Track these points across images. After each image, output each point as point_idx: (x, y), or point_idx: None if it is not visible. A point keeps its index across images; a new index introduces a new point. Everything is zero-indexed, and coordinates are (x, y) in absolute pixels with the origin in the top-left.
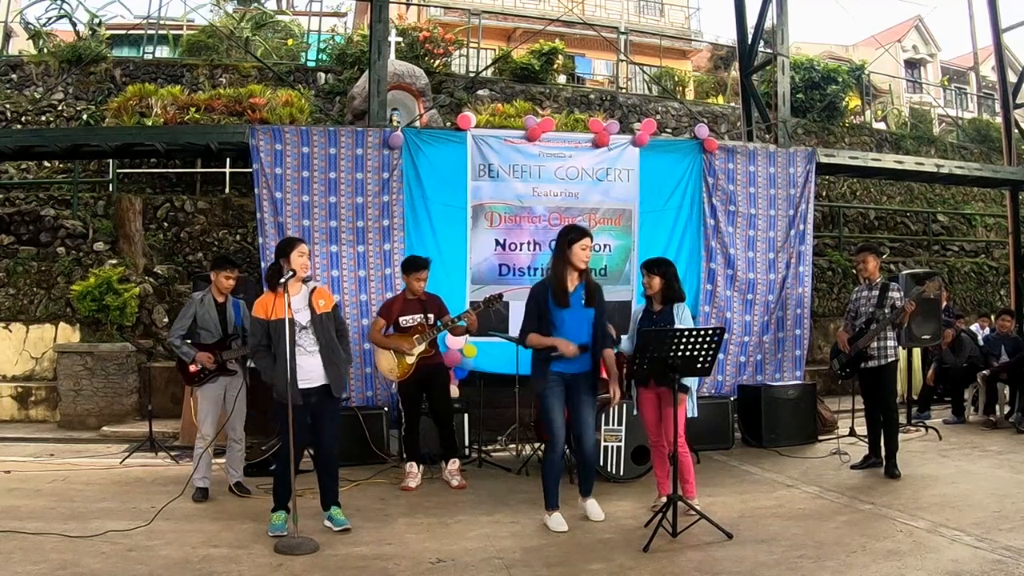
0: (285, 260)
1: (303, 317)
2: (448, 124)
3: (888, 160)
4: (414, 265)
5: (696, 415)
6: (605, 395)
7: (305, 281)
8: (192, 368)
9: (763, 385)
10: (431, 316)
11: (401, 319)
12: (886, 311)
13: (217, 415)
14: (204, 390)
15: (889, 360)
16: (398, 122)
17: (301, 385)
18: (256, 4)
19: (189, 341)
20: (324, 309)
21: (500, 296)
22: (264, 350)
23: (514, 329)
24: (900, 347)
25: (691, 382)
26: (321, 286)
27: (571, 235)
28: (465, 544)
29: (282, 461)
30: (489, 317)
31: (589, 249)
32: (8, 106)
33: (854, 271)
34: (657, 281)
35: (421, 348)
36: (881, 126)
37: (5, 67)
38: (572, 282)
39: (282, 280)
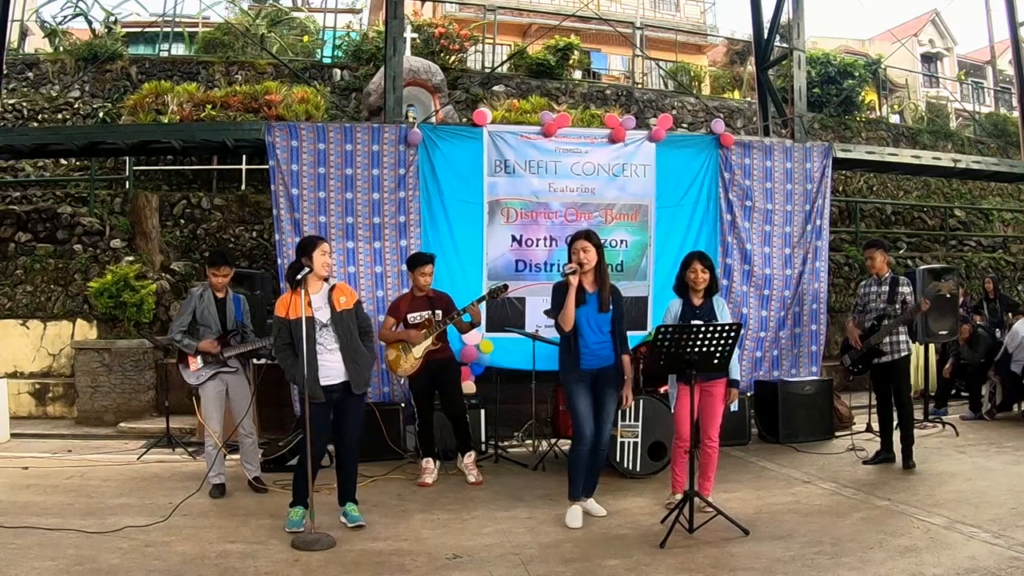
0: (307, 259)
1: (323, 315)
2: (464, 120)
3: (905, 155)
4: (418, 261)
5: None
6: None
7: (326, 279)
8: (193, 364)
9: (779, 381)
10: (439, 312)
11: (409, 316)
12: (897, 307)
13: (222, 412)
14: (205, 389)
15: (902, 355)
16: (414, 118)
17: (322, 382)
18: (271, 1)
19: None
20: (345, 306)
21: (505, 287)
22: (287, 348)
23: (531, 325)
24: (915, 342)
25: (735, 374)
26: (342, 283)
27: (569, 242)
28: (482, 540)
29: (303, 457)
30: (505, 313)
31: (580, 252)
32: (25, 104)
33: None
34: (708, 275)
35: (427, 343)
36: (897, 120)
37: (22, 65)
38: (589, 284)
39: (299, 277)
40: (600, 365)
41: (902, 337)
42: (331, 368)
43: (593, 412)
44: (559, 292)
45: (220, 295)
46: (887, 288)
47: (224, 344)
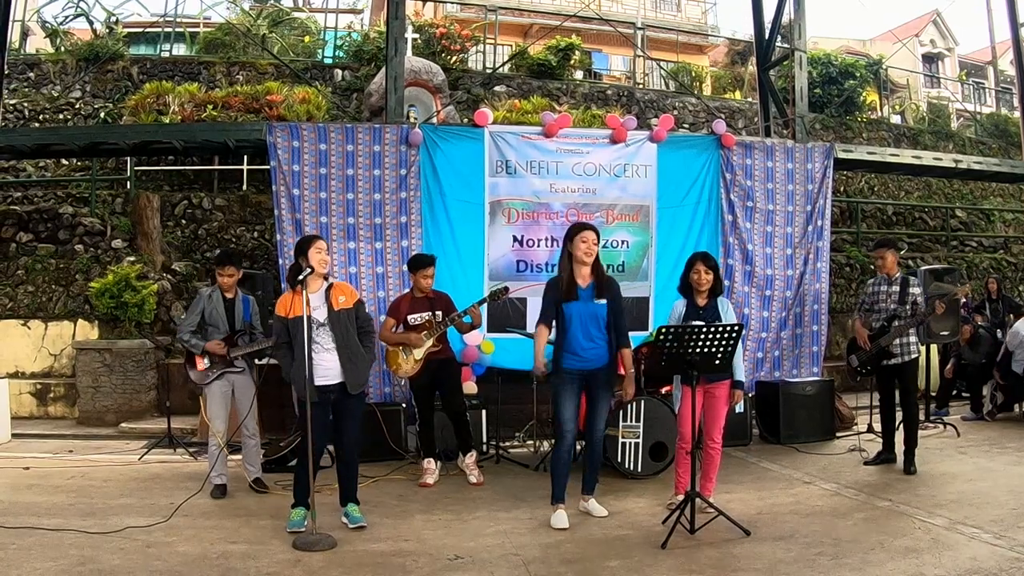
0: (303, 258)
1: (320, 314)
2: (465, 120)
3: (906, 155)
4: (420, 263)
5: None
6: (621, 392)
7: (325, 278)
8: (200, 364)
9: (781, 381)
10: (439, 313)
11: (410, 317)
12: (907, 308)
13: (227, 413)
14: (211, 389)
15: (912, 357)
16: (415, 119)
17: (318, 382)
18: (273, 1)
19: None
20: (344, 306)
21: (506, 290)
22: (286, 348)
23: (532, 325)
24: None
25: (739, 375)
26: (341, 282)
27: (572, 230)
28: (483, 540)
29: (303, 457)
30: (506, 313)
31: (591, 242)
32: (26, 104)
33: (872, 265)
34: (712, 276)
35: (428, 344)
36: (898, 121)
37: (23, 65)
38: (583, 278)
39: (300, 277)
40: (587, 367)
41: (912, 339)
42: (327, 368)
43: (588, 412)
44: (550, 289)
45: (229, 295)
46: (898, 288)
47: (231, 344)
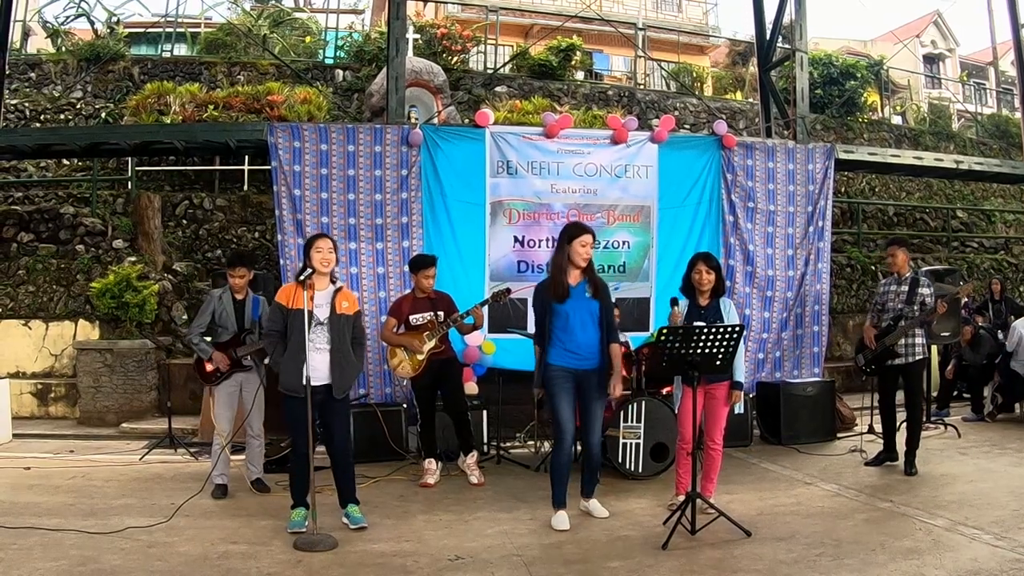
0: (308, 260)
1: (322, 313)
2: (466, 121)
3: (907, 156)
4: (422, 263)
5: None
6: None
7: (333, 280)
8: (208, 367)
9: (782, 382)
10: (441, 314)
11: (411, 317)
12: (915, 308)
13: (233, 412)
14: (219, 388)
15: (917, 357)
16: (416, 119)
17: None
18: (274, 2)
19: (208, 339)
20: (346, 311)
21: (508, 291)
22: (277, 336)
23: (533, 326)
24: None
25: (739, 376)
26: (347, 289)
27: (571, 231)
28: (484, 541)
29: (298, 457)
30: (507, 313)
31: (590, 247)
32: (27, 104)
33: (873, 266)
34: (714, 276)
35: (431, 345)
36: (899, 121)
37: (24, 66)
38: (574, 278)
39: (302, 277)
40: (582, 367)
41: (918, 340)
42: (317, 369)
43: (582, 415)
44: (541, 294)
45: (239, 296)
46: (906, 288)
47: (239, 344)
